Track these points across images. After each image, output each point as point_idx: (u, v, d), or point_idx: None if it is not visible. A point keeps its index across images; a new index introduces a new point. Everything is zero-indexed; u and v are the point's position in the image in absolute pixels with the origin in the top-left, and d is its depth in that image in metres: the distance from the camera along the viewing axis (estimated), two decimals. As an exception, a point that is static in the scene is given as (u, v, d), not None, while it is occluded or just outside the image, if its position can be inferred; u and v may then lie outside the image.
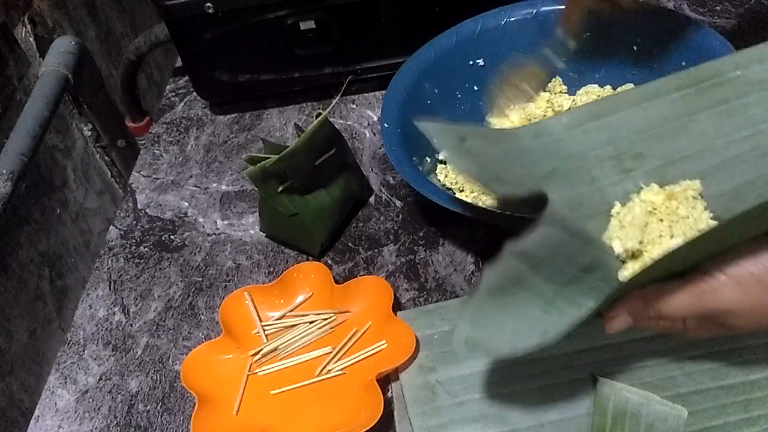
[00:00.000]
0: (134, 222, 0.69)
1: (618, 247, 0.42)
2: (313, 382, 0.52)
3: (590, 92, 0.63)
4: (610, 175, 0.47)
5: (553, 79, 0.65)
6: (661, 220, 0.44)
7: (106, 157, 0.98)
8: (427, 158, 0.62)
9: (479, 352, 0.39)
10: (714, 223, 0.43)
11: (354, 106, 0.77)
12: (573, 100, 0.63)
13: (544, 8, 0.64)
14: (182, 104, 0.83)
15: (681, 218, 0.43)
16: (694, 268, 0.37)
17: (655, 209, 0.44)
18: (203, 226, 0.67)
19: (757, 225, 0.35)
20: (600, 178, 0.47)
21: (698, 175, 0.45)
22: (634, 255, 0.42)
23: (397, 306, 0.56)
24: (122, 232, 0.68)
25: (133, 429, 0.52)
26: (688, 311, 0.37)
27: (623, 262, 0.43)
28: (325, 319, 0.55)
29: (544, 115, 0.61)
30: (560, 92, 0.64)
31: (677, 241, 0.42)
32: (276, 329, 0.56)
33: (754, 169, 0.43)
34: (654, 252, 0.42)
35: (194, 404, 0.50)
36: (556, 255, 0.37)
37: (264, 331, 0.55)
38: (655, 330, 0.41)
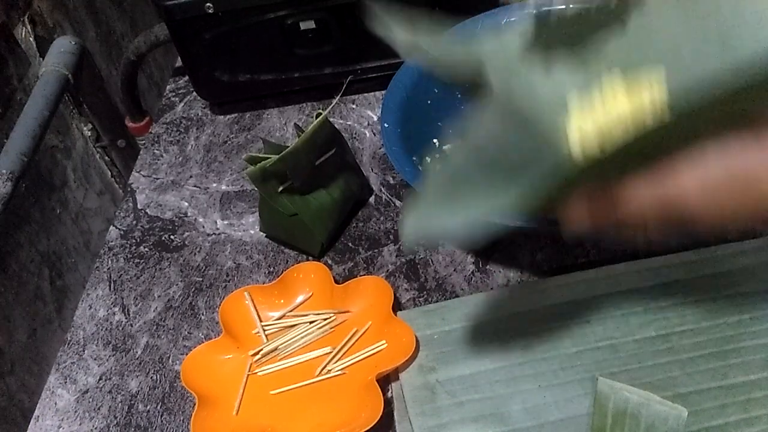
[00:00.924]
0: (134, 222, 0.69)
1: (574, 132, 0.40)
2: (313, 382, 0.52)
3: None
4: (572, 63, 0.45)
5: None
6: (622, 104, 0.42)
7: (106, 157, 0.98)
8: (427, 158, 0.62)
9: (425, 238, 0.38)
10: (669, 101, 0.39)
11: (354, 106, 0.77)
12: None
13: (543, 8, 0.64)
14: (182, 104, 0.83)
15: (643, 103, 0.41)
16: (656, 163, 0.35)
17: (617, 94, 0.43)
18: (203, 226, 0.67)
19: (720, 116, 0.34)
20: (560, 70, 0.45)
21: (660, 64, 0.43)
22: (593, 142, 0.41)
23: (397, 306, 0.56)
24: (122, 232, 0.68)
25: (133, 429, 0.53)
26: (649, 203, 0.36)
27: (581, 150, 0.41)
28: (325, 319, 0.55)
29: None
30: None
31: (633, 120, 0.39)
32: (276, 329, 0.56)
33: (717, 59, 0.42)
34: (612, 133, 0.40)
35: (194, 404, 0.50)
36: (505, 145, 0.35)
37: (264, 331, 0.55)
38: (611, 231, 0.39)
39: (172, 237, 0.67)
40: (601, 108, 0.39)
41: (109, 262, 0.65)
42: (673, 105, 0.34)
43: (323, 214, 0.60)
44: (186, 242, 0.66)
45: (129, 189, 0.73)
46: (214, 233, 0.66)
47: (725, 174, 0.34)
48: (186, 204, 0.70)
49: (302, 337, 0.55)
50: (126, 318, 0.60)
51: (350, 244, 0.63)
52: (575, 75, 0.43)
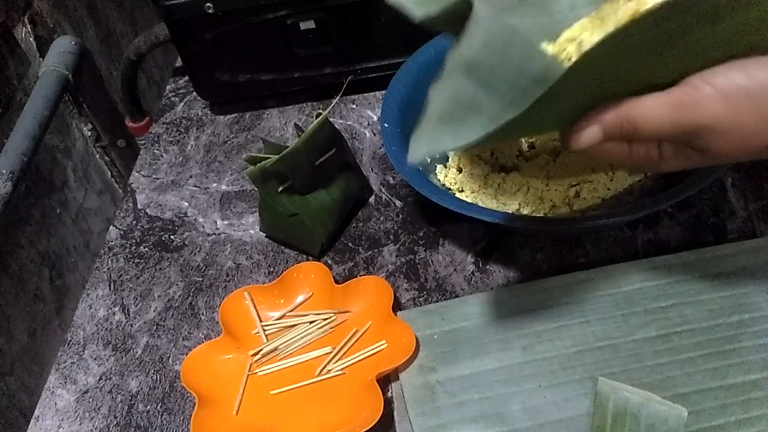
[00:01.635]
0: (134, 222, 0.69)
1: (577, 43, 0.36)
2: (313, 382, 0.52)
3: None
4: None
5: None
6: None
7: (106, 157, 0.98)
8: (427, 158, 0.62)
9: (431, 155, 0.36)
10: None
11: (354, 106, 0.77)
12: None
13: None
14: (182, 104, 0.83)
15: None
16: (676, 83, 0.33)
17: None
18: (203, 226, 0.67)
19: (743, 32, 0.31)
20: (580, 3, 0.40)
21: None
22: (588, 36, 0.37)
23: (397, 306, 0.56)
24: (122, 232, 0.68)
25: (133, 429, 0.53)
26: (667, 127, 0.33)
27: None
28: (325, 319, 0.55)
29: None
30: None
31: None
32: (276, 329, 0.56)
33: None
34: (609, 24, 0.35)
35: (194, 404, 0.50)
36: (504, 59, 0.33)
37: (264, 331, 0.55)
38: (627, 161, 0.36)
39: (172, 237, 0.67)
40: (600, 13, 0.35)
41: (109, 262, 0.65)
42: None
43: (323, 214, 0.60)
44: (186, 242, 0.66)
45: (129, 189, 0.73)
46: (214, 233, 0.66)
47: (749, 82, 0.31)
48: (186, 204, 0.70)
49: (302, 337, 0.55)
50: (126, 318, 0.60)
51: (350, 244, 0.63)
52: None
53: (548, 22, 0.38)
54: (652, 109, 0.33)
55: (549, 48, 0.36)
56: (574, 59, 0.34)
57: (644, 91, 0.34)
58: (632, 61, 0.32)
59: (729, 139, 0.32)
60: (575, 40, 0.35)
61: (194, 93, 0.81)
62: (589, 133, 0.34)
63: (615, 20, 0.35)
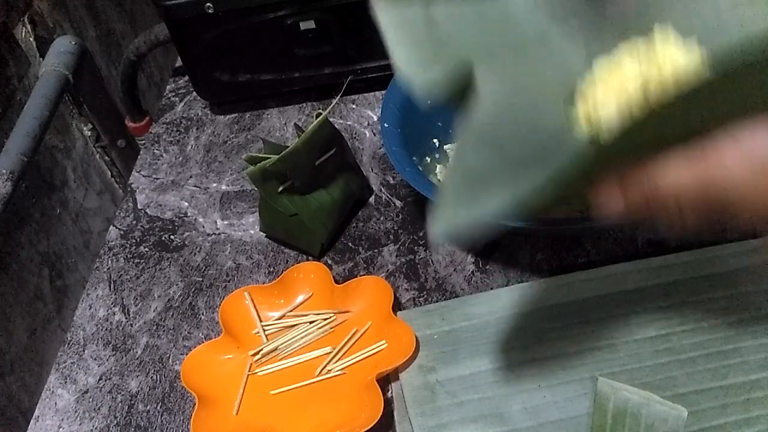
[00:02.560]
0: (134, 222, 0.69)
1: (590, 105, 0.35)
2: (313, 382, 0.52)
3: None
4: (609, 43, 0.39)
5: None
6: (638, 64, 0.35)
7: (106, 157, 0.98)
8: (427, 158, 0.62)
9: (454, 236, 0.35)
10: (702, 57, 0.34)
11: (354, 106, 0.77)
12: None
13: None
14: (182, 104, 0.83)
15: (663, 62, 0.35)
16: (697, 140, 0.32)
17: (638, 58, 0.36)
18: (203, 226, 0.67)
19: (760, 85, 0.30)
20: (595, 45, 0.39)
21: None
22: (612, 113, 0.35)
23: (397, 306, 0.56)
24: (122, 232, 0.68)
25: (133, 429, 0.53)
26: (687, 182, 0.32)
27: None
28: (325, 319, 0.55)
29: None
30: None
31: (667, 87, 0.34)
32: (276, 329, 0.56)
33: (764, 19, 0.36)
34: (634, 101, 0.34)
35: (194, 404, 0.50)
36: (515, 133, 0.32)
37: (264, 331, 0.55)
38: (650, 216, 0.35)
39: (172, 237, 0.67)
40: (620, 75, 0.35)
41: (109, 262, 0.65)
42: (711, 68, 0.30)
43: (323, 214, 0.60)
44: (186, 242, 0.66)
45: (129, 189, 0.73)
46: (214, 233, 0.66)
47: None
48: (186, 204, 0.70)
49: (302, 337, 0.55)
50: (126, 318, 0.60)
51: (350, 244, 0.63)
52: (587, 42, 0.38)
53: (560, 77, 0.37)
54: (672, 166, 0.33)
55: (563, 111, 0.35)
56: (595, 129, 0.34)
57: (665, 148, 0.33)
58: (654, 127, 0.32)
59: (751, 199, 0.32)
60: (592, 103, 0.35)
61: (194, 93, 0.81)
62: (613, 199, 0.34)
63: (632, 83, 0.34)
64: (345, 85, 0.65)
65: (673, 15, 0.38)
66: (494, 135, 0.32)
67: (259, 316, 0.56)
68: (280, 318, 0.57)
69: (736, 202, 0.32)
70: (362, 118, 0.75)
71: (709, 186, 0.32)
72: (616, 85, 0.35)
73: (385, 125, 0.58)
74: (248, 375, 0.53)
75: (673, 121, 0.31)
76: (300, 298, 0.57)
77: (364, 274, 0.59)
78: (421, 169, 0.58)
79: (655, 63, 0.35)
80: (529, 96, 0.33)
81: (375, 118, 0.75)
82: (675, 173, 0.32)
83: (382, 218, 0.64)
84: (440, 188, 0.34)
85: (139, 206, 0.71)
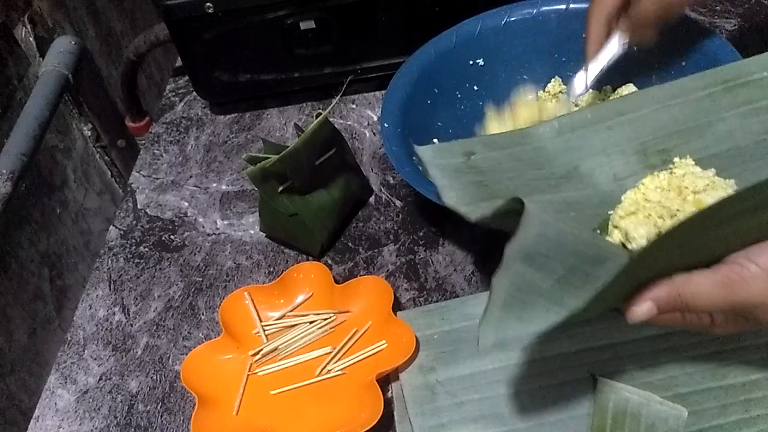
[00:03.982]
0: (134, 222, 0.69)
1: (623, 232, 0.41)
2: (313, 382, 0.52)
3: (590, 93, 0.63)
4: (636, 172, 0.46)
5: (553, 80, 0.65)
6: (669, 193, 0.42)
7: (106, 157, 0.98)
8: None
9: (502, 344, 0.38)
10: (731, 187, 0.41)
11: (354, 106, 0.77)
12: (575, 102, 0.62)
13: (544, 8, 0.64)
14: (182, 104, 0.83)
15: (693, 192, 0.42)
16: (721, 259, 0.36)
17: (664, 189, 0.44)
18: (203, 226, 0.67)
19: None
20: (622, 175, 0.46)
21: (725, 174, 0.45)
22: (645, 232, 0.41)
23: (397, 306, 0.56)
24: (122, 232, 0.68)
25: (133, 429, 0.53)
26: (718, 303, 0.36)
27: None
28: (325, 319, 0.55)
29: (555, 114, 0.60)
30: (560, 92, 0.64)
31: (690, 209, 0.40)
32: (276, 329, 0.56)
33: None
34: (666, 225, 0.40)
35: (194, 404, 0.50)
36: (559, 247, 0.36)
37: (264, 331, 0.55)
38: (679, 325, 0.39)
39: (172, 237, 0.67)
40: (647, 207, 0.42)
41: (109, 262, 0.65)
42: (740, 198, 0.34)
43: (323, 214, 0.60)
44: (186, 242, 0.66)
45: (129, 189, 0.73)
46: (214, 233, 0.66)
47: None
48: (186, 204, 0.70)
49: (302, 337, 0.55)
50: (126, 318, 0.60)
51: (350, 244, 0.63)
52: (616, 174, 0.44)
53: (592, 210, 0.43)
54: (701, 286, 0.35)
55: (599, 232, 0.41)
56: (629, 249, 0.38)
57: (692, 265, 0.36)
58: (683, 246, 0.35)
59: None
60: (624, 233, 0.40)
61: (194, 93, 0.81)
62: (645, 309, 0.37)
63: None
64: (345, 85, 0.65)
65: (691, 146, 0.45)
66: (537, 251, 0.35)
67: (259, 316, 0.56)
68: (280, 318, 0.57)
69: (761, 315, 0.35)
70: (362, 118, 0.75)
71: (736, 303, 0.35)
72: (644, 218, 0.41)
73: (385, 125, 0.58)
74: (248, 375, 0.53)
75: (695, 242, 0.35)
76: (300, 298, 0.57)
77: (364, 274, 0.59)
78: (421, 169, 0.58)
79: (677, 192, 0.42)
80: (569, 224, 0.37)
81: (375, 118, 0.75)
82: (704, 290, 0.35)
83: (382, 218, 0.64)
84: (489, 297, 0.37)
85: (139, 206, 0.71)
